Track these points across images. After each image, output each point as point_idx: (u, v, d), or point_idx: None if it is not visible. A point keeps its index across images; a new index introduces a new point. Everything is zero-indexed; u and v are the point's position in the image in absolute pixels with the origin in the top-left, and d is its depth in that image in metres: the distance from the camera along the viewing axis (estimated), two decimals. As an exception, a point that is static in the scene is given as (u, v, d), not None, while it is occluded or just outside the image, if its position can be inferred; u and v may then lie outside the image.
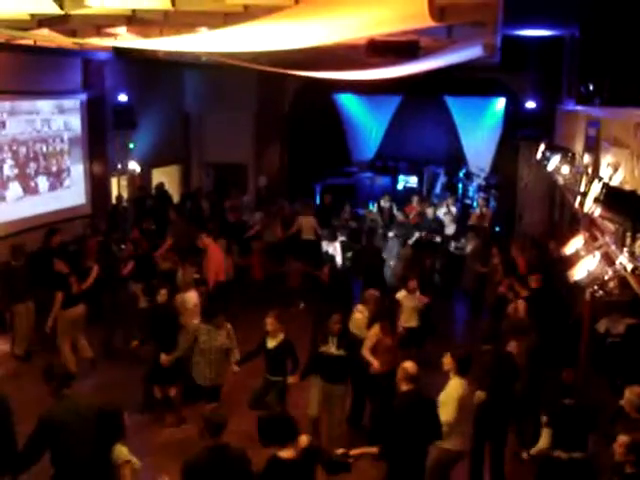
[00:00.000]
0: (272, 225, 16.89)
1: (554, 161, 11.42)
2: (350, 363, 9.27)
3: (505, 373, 8.55)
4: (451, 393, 7.78)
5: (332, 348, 9.16)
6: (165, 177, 20.98)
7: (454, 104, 22.81)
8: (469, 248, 15.31)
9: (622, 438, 6.06)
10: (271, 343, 9.29)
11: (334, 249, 15.69)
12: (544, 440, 7.60)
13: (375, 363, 9.41)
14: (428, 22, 6.44)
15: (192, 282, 11.56)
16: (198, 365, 9.67)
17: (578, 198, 8.25)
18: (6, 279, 12.16)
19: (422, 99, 22.32)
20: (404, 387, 7.32)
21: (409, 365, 7.37)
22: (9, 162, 15.03)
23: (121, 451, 6.35)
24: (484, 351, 8.88)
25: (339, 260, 15.53)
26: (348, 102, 24.77)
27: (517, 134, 18.49)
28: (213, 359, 9.57)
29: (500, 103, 22.07)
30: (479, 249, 14.77)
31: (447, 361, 7.95)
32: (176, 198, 20.73)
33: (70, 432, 6.24)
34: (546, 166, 12.20)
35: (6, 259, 12.46)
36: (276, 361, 9.31)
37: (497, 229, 18.25)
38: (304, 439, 5.98)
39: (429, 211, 17.26)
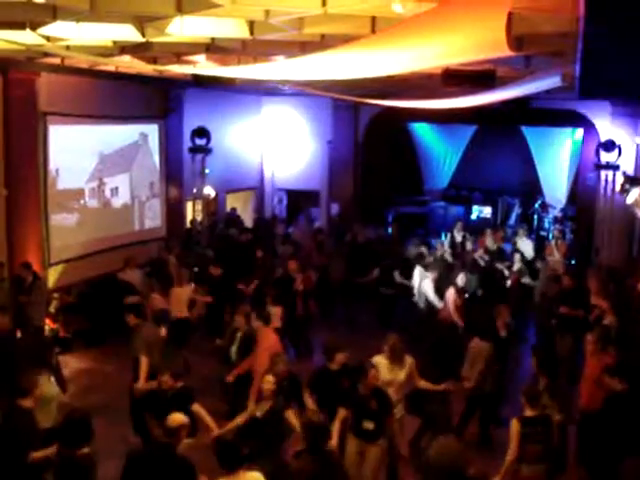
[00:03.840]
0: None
1: (634, 193, 11.14)
2: None
3: None
4: None
5: None
6: (239, 202, 21.24)
7: (531, 134, 22.52)
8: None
9: None
10: None
11: None
12: None
13: None
14: (506, 52, 6.38)
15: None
16: None
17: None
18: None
19: (498, 129, 22.10)
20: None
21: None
22: (89, 184, 15.42)
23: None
24: None
25: None
26: (422, 131, 24.70)
27: (595, 165, 18.13)
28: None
29: (578, 133, 21.70)
30: None
31: None
32: (249, 223, 20.97)
33: None
34: (625, 198, 11.89)
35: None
36: None
37: (572, 262, 17.83)
38: None
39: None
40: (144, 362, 9.36)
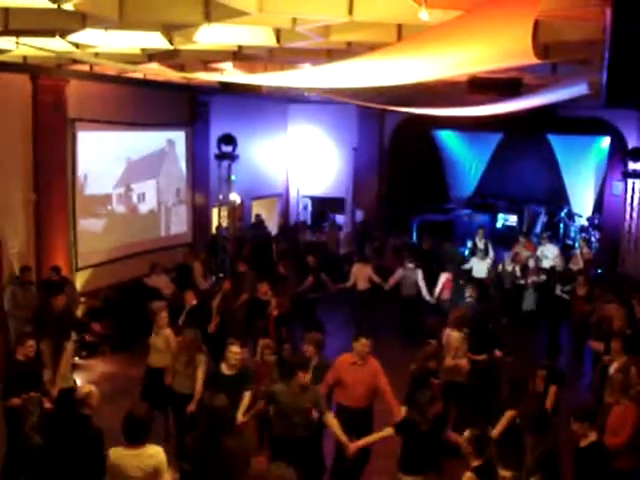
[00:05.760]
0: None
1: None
2: None
3: None
4: None
5: None
6: (264, 209, 21.31)
7: (557, 142, 22.40)
8: None
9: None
10: None
11: None
12: None
13: None
14: (532, 60, 6.37)
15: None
16: None
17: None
18: None
19: (524, 136, 22.01)
20: None
21: None
22: (116, 190, 15.56)
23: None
24: None
25: None
26: (448, 138, 24.65)
27: (622, 173, 18.01)
28: None
29: (605, 141, 21.57)
30: None
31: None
32: (274, 230, 21.07)
33: None
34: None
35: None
36: None
37: (598, 271, 17.69)
38: None
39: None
40: None
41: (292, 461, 7.16)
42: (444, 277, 14.67)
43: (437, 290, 14.49)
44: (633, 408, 7.62)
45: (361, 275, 14.97)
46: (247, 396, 8.44)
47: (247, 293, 13.30)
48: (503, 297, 15.38)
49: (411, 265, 14.73)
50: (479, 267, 15.83)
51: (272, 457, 7.85)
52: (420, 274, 14.70)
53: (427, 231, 20.01)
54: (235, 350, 8.51)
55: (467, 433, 6.66)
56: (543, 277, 15.15)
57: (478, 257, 16.25)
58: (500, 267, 15.91)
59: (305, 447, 7.83)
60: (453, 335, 10.19)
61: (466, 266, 16.23)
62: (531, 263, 15.65)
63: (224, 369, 8.56)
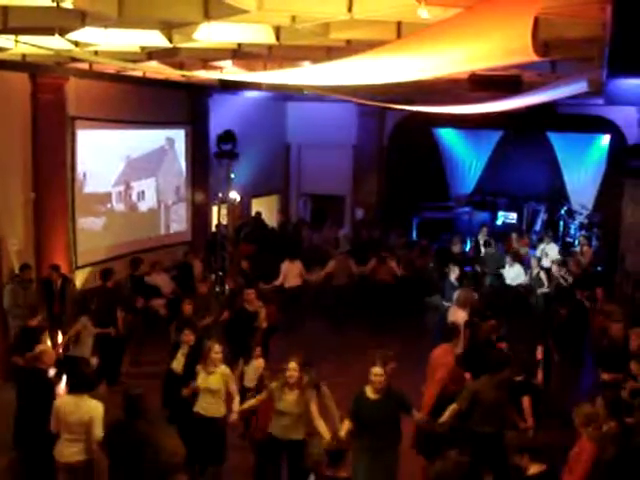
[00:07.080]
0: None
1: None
2: None
3: None
4: None
5: None
6: (264, 207, 21.29)
7: (557, 140, 22.35)
8: None
9: None
10: None
11: None
12: None
13: None
14: (532, 57, 6.36)
15: None
16: None
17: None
18: None
19: (524, 134, 21.97)
20: None
21: None
22: (116, 188, 15.55)
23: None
24: None
25: None
26: (447, 136, 24.58)
27: (622, 171, 17.97)
28: None
29: (605, 139, 21.53)
30: None
31: None
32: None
33: None
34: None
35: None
36: None
37: (598, 269, 17.67)
38: None
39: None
40: None
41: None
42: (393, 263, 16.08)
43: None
44: (590, 446, 6.78)
45: (291, 272, 15.26)
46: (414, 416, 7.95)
47: (211, 316, 12.14)
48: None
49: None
50: (512, 273, 15.67)
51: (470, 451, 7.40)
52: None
53: (429, 229, 20.08)
54: (378, 372, 7.58)
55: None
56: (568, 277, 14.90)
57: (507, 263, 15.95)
58: (528, 273, 15.54)
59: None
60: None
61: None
62: (555, 269, 15.29)
63: (369, 393, 7.64)
